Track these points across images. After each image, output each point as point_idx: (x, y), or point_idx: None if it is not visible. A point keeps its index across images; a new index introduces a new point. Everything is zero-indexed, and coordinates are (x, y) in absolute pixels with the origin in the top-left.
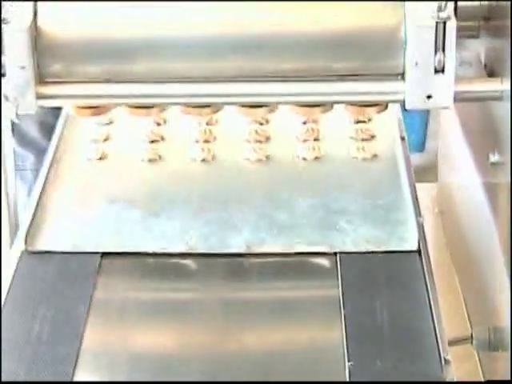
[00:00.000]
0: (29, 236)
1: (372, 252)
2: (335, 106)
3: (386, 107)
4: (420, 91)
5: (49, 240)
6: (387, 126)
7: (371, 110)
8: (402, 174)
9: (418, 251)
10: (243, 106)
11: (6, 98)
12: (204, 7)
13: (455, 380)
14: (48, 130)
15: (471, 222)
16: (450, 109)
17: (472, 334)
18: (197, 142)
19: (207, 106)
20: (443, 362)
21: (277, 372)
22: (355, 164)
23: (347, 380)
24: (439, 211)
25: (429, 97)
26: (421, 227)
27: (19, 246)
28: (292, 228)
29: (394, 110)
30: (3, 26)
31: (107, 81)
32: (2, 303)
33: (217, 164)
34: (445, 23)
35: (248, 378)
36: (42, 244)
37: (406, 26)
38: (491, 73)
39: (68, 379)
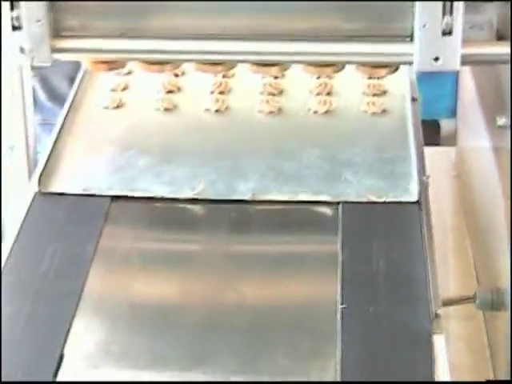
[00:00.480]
0: (42, 178)
1: (374, 202)
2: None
3: (397, 69)
4: (428, 53)
5: (61, 182)
6: (399, 87)
7: (382, 71)
8: (410, 130)
9: (419, 203)
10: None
11: (22, 51)
12: None
13: (443, 332)
14: None
15: (482, 186)
16: (457, 71)
17: (475, 294)
18: (212, 93)
19: (220, 63)
20: (433, 316)
21: (273, 312)
22: (365, 118)
23: (339, 321)
24: (456, 175)
25: (436, 59)
26: (422, 180)
27: (33, 187)
28: (298, 178)
29: (407, 71)
30: None
31: (121, 36)
32: (13, 241)
33: (230, 115)
34: None
35: (245, 319)
36: (54, 186)
37: None
38: (502, 37)
39: (70, 315)
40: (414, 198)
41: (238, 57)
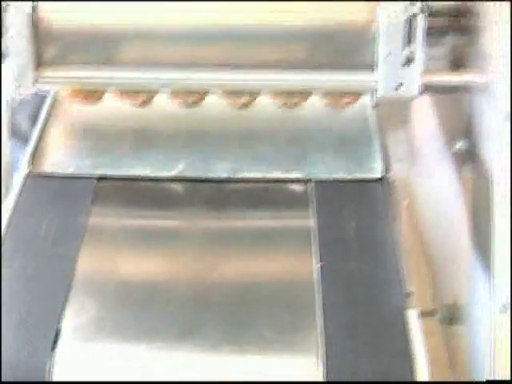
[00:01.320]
0: (32, 160)
1: (342, 180)
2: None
3: (360, 97)
4: (390, 81)
5: (50, 164)
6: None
7: (346, 99)
8: (371, 119)
9: (382, 179)
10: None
11: (7, 81)
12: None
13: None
14: None
15: (436, 212)
16: (416, 98)
17: (436, 309)
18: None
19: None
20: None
21: (254, 284)
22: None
23: (317, 279)
24: (409, 203)
25: (399, 86)
26: (386, 160)
27: (24, 169)
28: (271, 158)
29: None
30: (6, 12)
31: (101, 65)
32: (10, 214)
33: (204, 107)
34: (414, 18)
35: (229, 291)
36: (44, 167)
37: (378, 20)
38: (457, 67)
39: (69, 275)
40: (378, 174)
41: (212, 85)
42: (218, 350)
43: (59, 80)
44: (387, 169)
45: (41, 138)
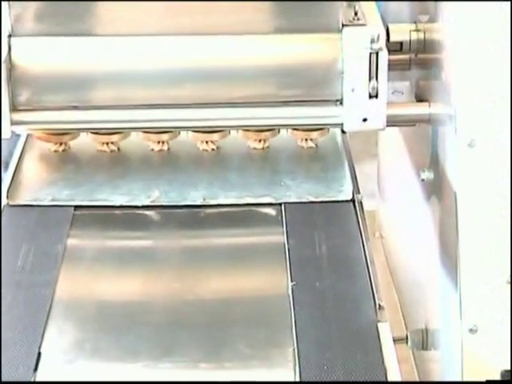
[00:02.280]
0: (10, 192)
1: (312, 202)
2: None
3: (328, 131)
4: (356, 115)
5: (28, 196)
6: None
7: (315, 134)
8: (340, 146)
9: (352, 200)
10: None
11: None
12: (162, 42)
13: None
14: None
15: (404, 244)
16: (383, 130)
17: (407, 335)
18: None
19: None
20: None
21: (232, 296)
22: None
23: (291, 296)
24: (380, 235)
25: (364, 120)
26: (355, 182)
27: (2, 200)
28: (243, 185)
29: None
30: None
31: (74, 108)
32: None
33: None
34: (377, 53)
35: (206, 311)
36: (22, 198)
37: (343, 57)
38: (420, 99)
39: (48, 301)
40: (348, 196)
41: (185, 123)
42: (198, 368)
43: (34, 123)
44: (356, 190)
45: (17, 170)
